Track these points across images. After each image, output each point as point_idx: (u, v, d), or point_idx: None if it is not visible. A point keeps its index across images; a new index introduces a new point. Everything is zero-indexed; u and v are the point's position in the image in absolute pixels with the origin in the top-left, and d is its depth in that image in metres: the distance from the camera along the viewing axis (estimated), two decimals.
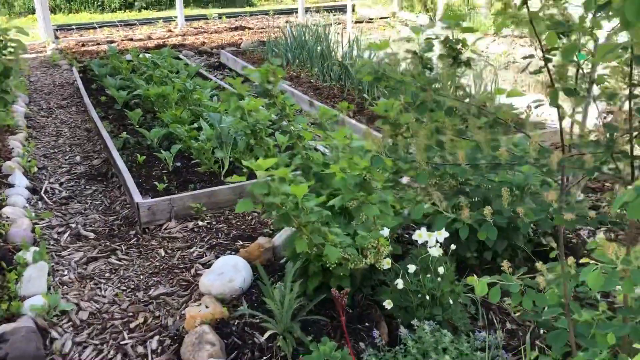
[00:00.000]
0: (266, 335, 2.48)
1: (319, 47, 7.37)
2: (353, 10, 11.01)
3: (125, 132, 5.04)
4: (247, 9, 15.49)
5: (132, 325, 2.75)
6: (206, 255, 3.32)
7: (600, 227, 3.29)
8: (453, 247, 2.47)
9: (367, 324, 2.51)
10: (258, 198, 1.99)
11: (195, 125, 4.65)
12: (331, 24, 8.30)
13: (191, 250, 3.39)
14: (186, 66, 6.89)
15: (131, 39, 10.58)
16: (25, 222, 3.60)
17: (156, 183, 4.00)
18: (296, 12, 13.24)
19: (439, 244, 2.40)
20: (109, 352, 2.58)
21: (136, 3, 15.87)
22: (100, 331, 2.72)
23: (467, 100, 1.69)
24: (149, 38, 10.70)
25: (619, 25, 1.70)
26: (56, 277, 3.15)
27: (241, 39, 10.40)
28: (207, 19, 13.17)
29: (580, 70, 1.78)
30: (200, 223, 3.68)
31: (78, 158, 4.96)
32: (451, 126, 1.66)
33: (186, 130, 4.46)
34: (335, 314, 2.61)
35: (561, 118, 1.62)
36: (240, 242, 3.43)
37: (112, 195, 4.19)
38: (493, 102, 1.93)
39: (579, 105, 1.69)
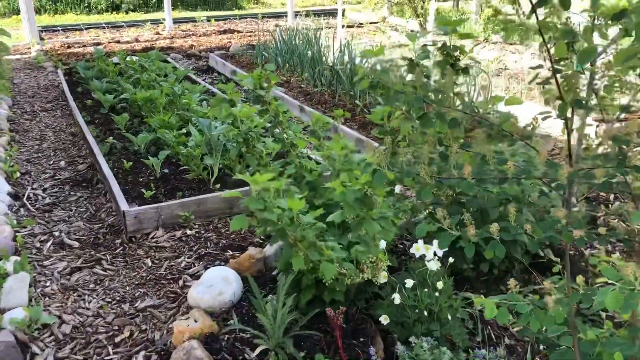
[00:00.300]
0: (257, 351, 2.39)
1: (309, 52, 7.30)
2: (343, 14, 10.96)
3: (111, 137, 4.92)
4: (236, 12, 15.40)
5: (117, 340, 2.64)
6: (195, 266, 3.22)
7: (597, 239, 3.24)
8: (451, 260, 2.40)
9: (362, 339, 2.43)
10: (252, 213, 1.90)
11: (184, 130, 4.55)
12: (322, 28, 8.23)
13: (179, 260, 3.29)
14: (174, 70, 6.79)
15: (118, 41, 10.44)
16: (6, 229, 3.47)
17: (143, 190, 3.89)
18: (285, 16, 13.18)
19: (436, 257, 2.33)
20: None
21: (123, 5, 15.70)
22: (83, 346, 2.61)
23: (469, 110, 1.62)
24: (137, 40, 10.57)
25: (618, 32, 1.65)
26: (38, 288, 3.03)
27: (230, 42, 10.30)
28: (195, 21, 13.06)
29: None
30: (188, 232, 3.58)
31: (63, 163, 4.83)
32: (454, 138, 1.59)
33: (174, 135, 4.35)
34: (329, 329, 2.52)
35: (570, 131, 1.55)
36: (230, 252, 3.33)
37: (98, 202, 4.07)
38: (492, 110, 1.87)
39: (586, 117, 1.63)
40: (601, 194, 3.94)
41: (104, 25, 12.57)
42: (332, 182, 1.93)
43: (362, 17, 12.73)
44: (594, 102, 1.71)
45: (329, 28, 9.74)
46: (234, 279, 2.84)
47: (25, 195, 4.15)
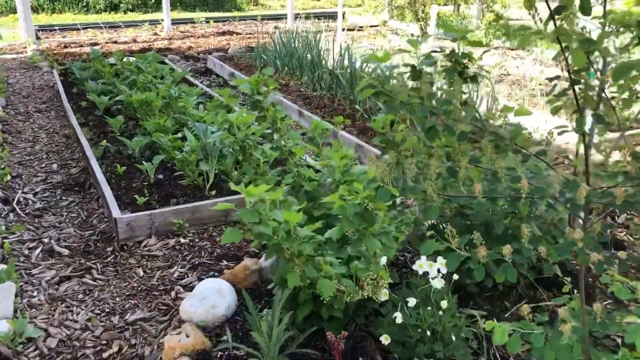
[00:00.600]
0: None
1: (309, 55, 7.19)
2: (343, 17, 10.87)
3: (105, 140, 4.81)
4: (236, 13, 15.31)
5: (105, 355, 2.53)
6: (188, 276, 3.11)
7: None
8: (456, 277, 2.29)
9: (361, 359, 2.32)
10: (247, 226, 1.79)
11: (180, 134, 4.43)
12: (322, 31, 8.13)
13: (172, 270, 3.18)
14: (172, 71, 6.68)
15: (115, 42, 10.33)
16: None
17: (136, 196, 3.77)
18: (285, 18, 13.08)
19: (441, 274, 2.22)
20: None
21: (122, 5, 15.59)
22: None
23: (478, 122, 1.51)
24: (134, 41, 10.46)
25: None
26: (24, 299, 2.91)
27: (229, 44, 10.20)
28: (194, 22, 12.95)
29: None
30: (182, 240, 3.46)
31: (55, 166, 4.72)
32: (463, 152, 1.49)
33: (170, 140, 4.24)
34: (326, 346, 2.41)
35: (588, 146, 1.45)
36: (225, 262, 3.22)
37: (90, 207, 3.96)
38: (502, 121, 1.77)
39: (604, 133, 1.53)
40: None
41: (101, 25, 12.45)
42: (331, 196, 1.83)
43: (362, 21, 12.64)
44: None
45: (329, 31, 9.65)
46: (228, 291, 2.73)
47: (15, 200, 4.03)
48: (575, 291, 2.34)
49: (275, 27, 11.50)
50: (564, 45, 1.38)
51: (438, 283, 2.19)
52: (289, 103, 6.05)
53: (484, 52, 2.24)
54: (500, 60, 8.04)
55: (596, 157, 1.65)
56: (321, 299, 2.13)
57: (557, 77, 1.51)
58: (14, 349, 2.51)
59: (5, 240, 3.42)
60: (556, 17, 1.45)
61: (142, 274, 3.15)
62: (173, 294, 2.96)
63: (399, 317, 2.15)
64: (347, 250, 2.18)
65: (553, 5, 1.41)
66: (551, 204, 2.56)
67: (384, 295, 2.18)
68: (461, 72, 2.21)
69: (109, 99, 5.80)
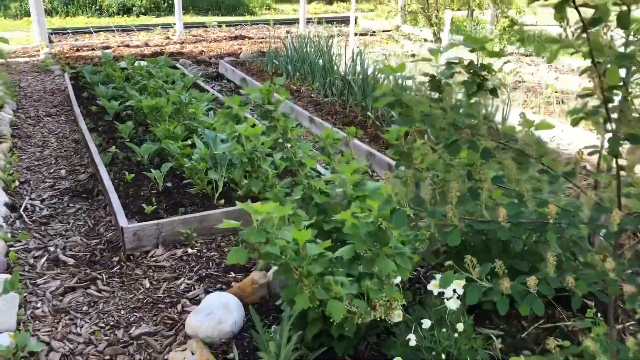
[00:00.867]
0: None
1: (320, 61, 7.12)
2: (355, 22, 10.80)
3: (114, 147, 4.75)
4: (248, 17, 15.28)
5: None
6: (195, 289, 3.03)
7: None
8: None
9: None
10: (254, 245, 1.71)
11: (189, 141, 4.37)
12: (334, 36, 8.06)
13: (179, 282, 3.10)
14: (183, 76, 6.63)
15: (127, 45, 10.32)
16: None
17: (144, 205, 3.71)
18: (297, 23, 13.02)
19: (456, 295, 2.13)
20: None
21: (134, 8, 15.63)
22: None
23: (501, 138, 1.42)
24: (146, 45, 10.44)
25: None
26: (28, 310, 2.85)
27: (240, 48, 10.16)
28: (206, 27, 12.93)
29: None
30: (189, 250, 3.39)
31: (63, 172, 4.67)
32: (487, 171, 1.39)
33: (179, 147, 4.18)
34: None
35: (621, 168, 1.35)
36: (233, 274, 3.14)
37: (97, 215, 3.90)
38: (524, 134, 1.67)
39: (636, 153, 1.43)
40: None
41: (114, 28, 12.47)
42: (343, 214, 1.74)
43: (374, 25, 12.55)
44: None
45: (341, 36, 9.58)
46: (236, 306, 2.65)
47: (23, 206, 3.98)
48: (599, 314, 2.23)
49: (287, 32, 11.45)
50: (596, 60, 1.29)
51: (454, 304, 2.09)
52: (300, 109, 5.97)
53: (505, 63, 2.15)
54: (515, 66, 7.91)
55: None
56: (331, 320, 2.04)
57: (590, 94, 1.41)
58: None
59: (10, 249, 3.36)
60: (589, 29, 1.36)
61: (148, 285, 3.08)
62: (179, 307, 2.88)
63: (412, 339, 2.05)
64: (359, 267, 2.09)
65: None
66: (573, 222, 2.45)
67: (397, 316, 2.09)
68: (480, 84, 2.12)
69: (119, 103, 5.76)
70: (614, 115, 1.32)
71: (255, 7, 17.33)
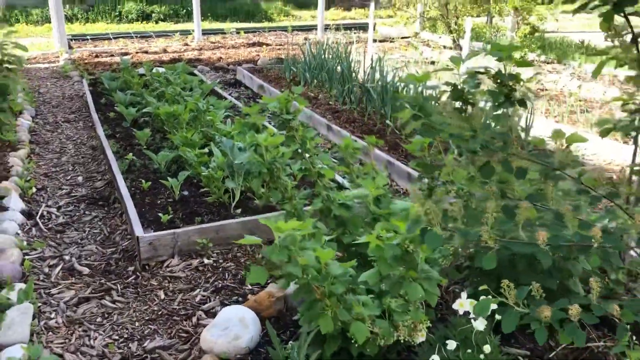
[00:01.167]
0: None
1: (339, 68, 7.05)
2: (374, 29, 10.73)
3: (131, 154, 4.72)
4: (266, 24, 15.29)
5: None
6: (210, 300, 2.97)
7: None
8: (498, 317, 2.09)
9: None
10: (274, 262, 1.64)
11: (206, 149, 4.32)
12: (353, 42, 7.99)
13: (194, 293, 3.04)
14: (200, 83, 6.61)
15: (146, 52, 10.35)
16: (15, 253, 3.28)
17: (160, 214, 3.66)
18: (315, 29, 13.00)
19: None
20: None
21: (153, 15, 15.73)
22: None
23: (537, 159, 1.34)
24: (165, 51, 10.47)
25: None
26: (42, 321, 2.81)
27: (258, 55, 10.14)
28: (224, 33, 12.96)
29: None
30: (205, 261, 3.33)
31: (80, 179, 4.65)
32: (520, 189, 1.31)
33: (196, 154, 4.13)
34: None
35: None
36: (249, 286, 3.07)
37: (113, 223, 3.86)
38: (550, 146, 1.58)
39: None
40: None
41: (132, 34, 12.54)
42: (367, 236, 1.66)
43: (393, 32, 12.47)
44: None
45: (359, 42, 9.51)
46: (252, 321, 2.58)
47: (39, 214, 3.96)
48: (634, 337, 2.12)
49: (305, 39, 11.42)
50: None
51: (480, 324, 2.00)
52: (318, 117, 5.91)
53: (536, 74, 2.06)
54: (537, 74, 7.77)
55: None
56: (351, 339, 1.96)
57: (626, 104, 1.32)
58: None
59: (26, 257, 3.33)
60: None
61: (163, 296, 3.02)
62: (194, 319, 2.82)
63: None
64: (381, 285, 2.00)
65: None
66: (604, 245, 2.34)
67: (421, 336, 2.00)
68: (508, 95, 2.03)
69: (137, 110, 5.74)
70: None
71: (273, 14, 17.35)
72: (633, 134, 1.78)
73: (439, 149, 2.28)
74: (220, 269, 3.26)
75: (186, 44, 11.43)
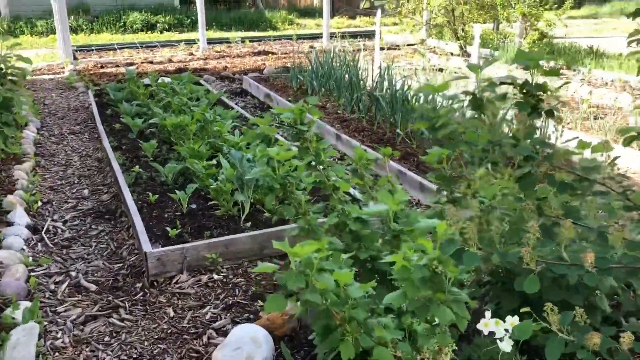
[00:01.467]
0: None
1: (346, 76, 6.97)
2: (380, 36, 10.67)
3: (138, 166, 4.65)
4: (271, 32, 15.27)
5: None
6: (221, 318, 2.88)
7: None
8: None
9: None
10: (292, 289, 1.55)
11: (214, 161, 4.24)
12: (360, 50, 7.92)
13: (204, 310, 2.95)
14: (207, 93, 6.54)
15: (151, 62, 10.32)
16: (20, 269, 3.20)
17: (168, 228, 3.58)
18: (320, 38, 12.96)
19: (508, 334, 1.93)
20: None
21: (158, 25, 15.73)
22: None
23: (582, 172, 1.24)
24: (170, 61, 10.43)
25: None
26: (48, 341, 2.72)
27: (264, 64, 10.09)
28: (229, 42, 12.93)
29: None
30: (215, 276, 3.24)
31: (86, 192, 4.57)
32: (569, 209, 1.22)
33: (204, 166, 4.05)
34: None
35: None
36: (261, 303, 2.98)
37: (120, 237, 3.78)
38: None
39: None
40: None
41: (137, 45, 12.52)
42: (393, 257, 1.57)
43: (398, 39, 12.42)
44: None
45: (365, 50, 9.44)
46: (265, 340, 2.49)
47: (44, 228, 3.88)
48: None
49: (311, 47, 11.37)
50: None
51: (507, 346, 1.90)
52: (326, 126, 5.83)
53: (565, 84, 1.97)
54: (565, 83, 7.68)
55: None
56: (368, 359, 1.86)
57: None
58: None
59: (32, 274, 3.25)
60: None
61: (172, 314, 2.93)
62: (205, 338, 2.73)
63: None
64: (402, 306, 1.91)
65: None
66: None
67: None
68: (535, 105, 1.94)
69: (143, 121, 5.68)
70: None
71: (277, 22, 17.34)
72: None
73: (460, 162, 2.19)
74: (230, 285, 3.17)
75: (191, 54, 11.40)
